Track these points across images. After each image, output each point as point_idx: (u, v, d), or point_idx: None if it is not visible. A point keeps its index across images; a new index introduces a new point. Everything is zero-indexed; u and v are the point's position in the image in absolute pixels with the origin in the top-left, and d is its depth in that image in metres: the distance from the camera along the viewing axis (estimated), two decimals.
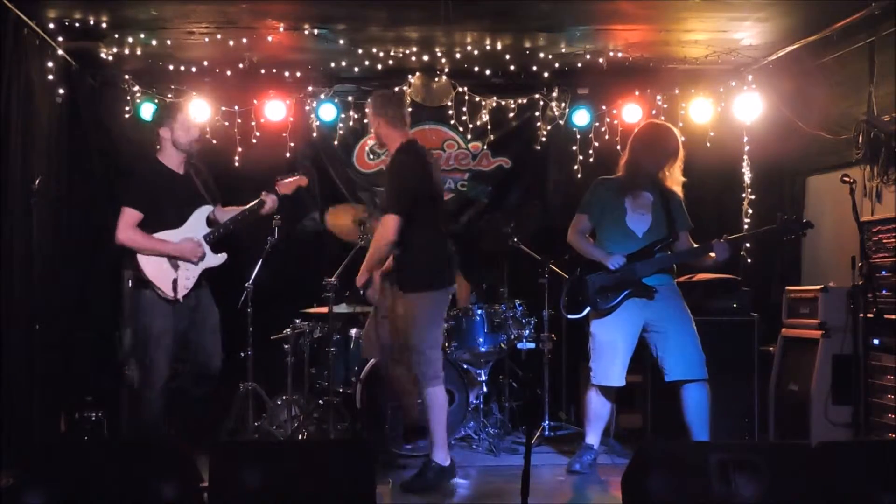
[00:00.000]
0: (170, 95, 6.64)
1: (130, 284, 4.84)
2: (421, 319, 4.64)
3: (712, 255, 4.88)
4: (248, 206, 5.02)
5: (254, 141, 6.68)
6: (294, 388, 5.73)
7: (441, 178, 4.90)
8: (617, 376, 4.96)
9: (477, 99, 6.85)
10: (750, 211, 6.80)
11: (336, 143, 6.95)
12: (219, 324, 5.00)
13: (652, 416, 5.70)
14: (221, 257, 4.95)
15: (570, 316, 5.07)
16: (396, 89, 6.74)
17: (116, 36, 5.93)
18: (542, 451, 5.67)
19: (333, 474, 3.18)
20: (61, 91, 6.02)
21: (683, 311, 4.93)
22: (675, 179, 5.04)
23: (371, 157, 7.08)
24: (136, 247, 4.77)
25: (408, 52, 6.35)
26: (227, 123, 6.67)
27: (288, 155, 6.82)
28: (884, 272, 5.00)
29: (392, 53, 6.38)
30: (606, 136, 6.92)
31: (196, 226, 4.90)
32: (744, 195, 6.86)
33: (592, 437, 5.15)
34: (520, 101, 6.92)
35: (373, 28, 5.96)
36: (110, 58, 6.27)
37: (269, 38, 5.97)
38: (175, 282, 4.76)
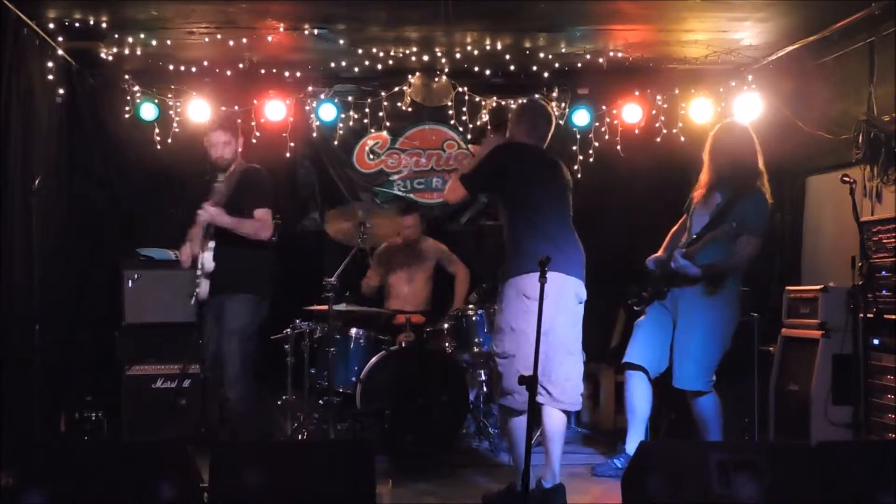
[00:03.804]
0: (170, 95, 6.64)
1: None
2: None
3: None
4: None
5: (254, 141, 6.66)
6: (294, 388, 5.73)
7: (560, 184, 4.64)
8: (634, 353, 5.00)
9: (477, 99, 6.84)
10: None
11: (336, 143, 6.94)
12: None
13: (652, 416, 5.67)
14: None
15: (636, 307, 5.15)
16: (397, 88, 6.76)
17: (116, 36, 5.93)
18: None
19: (333, 474, 3.18)
20: (61, 91, 6.02)
21: (694, 318, 4.84)
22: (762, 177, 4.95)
23: (371, 157, 7.08)
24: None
25: (408, 52, 6.35)
26: None
27: (288, 155, 6.82)
28: (884, 272, 4.99)
29: (392, 53, 6.38)
30: (606, 136, 6.92)
31: None
32: None
33: (629, 439, 5.05)
34: (520, 100, 6.90)
35: (373, 28, 5.95)
36: (110, 58, 6.27)
37: (269, 38, 5.97)
38: None
